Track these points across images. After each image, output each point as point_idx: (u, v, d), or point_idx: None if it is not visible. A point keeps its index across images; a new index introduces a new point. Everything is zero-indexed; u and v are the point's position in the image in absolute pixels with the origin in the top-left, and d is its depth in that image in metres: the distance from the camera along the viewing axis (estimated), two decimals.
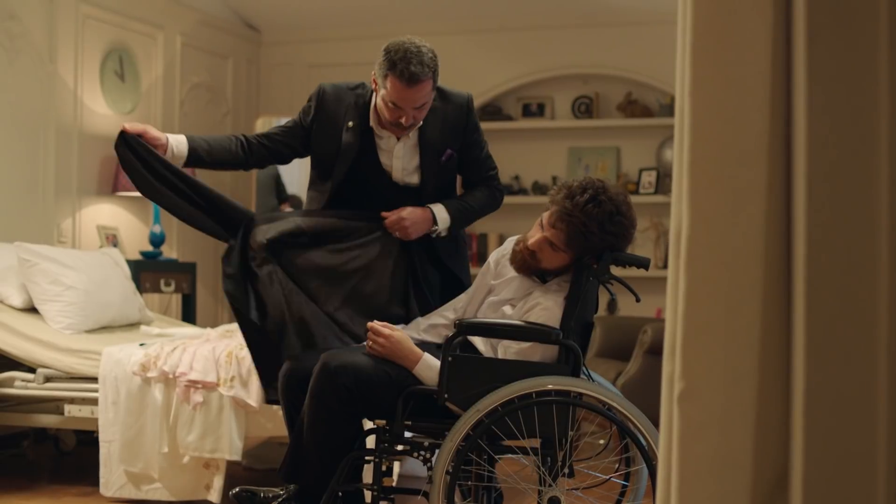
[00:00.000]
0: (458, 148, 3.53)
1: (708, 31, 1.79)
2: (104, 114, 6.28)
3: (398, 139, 3.47)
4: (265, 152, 3.59)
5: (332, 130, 3.49)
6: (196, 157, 3.48)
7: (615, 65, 7.16)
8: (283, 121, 7.73)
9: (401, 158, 3.50)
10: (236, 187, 7.56)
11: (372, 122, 3.47)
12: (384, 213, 3.47)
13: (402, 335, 3.14)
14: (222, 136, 3.61)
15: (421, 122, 3.44)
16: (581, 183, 3.13)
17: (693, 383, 1.78)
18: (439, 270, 3.60)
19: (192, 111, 7.09)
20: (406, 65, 3.24)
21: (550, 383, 3.01)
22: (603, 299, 3.81)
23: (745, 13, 1.76)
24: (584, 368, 3.24)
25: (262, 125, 7.83)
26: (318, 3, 7.31)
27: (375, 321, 3.18)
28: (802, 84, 1.64)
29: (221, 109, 7.43)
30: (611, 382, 5.31)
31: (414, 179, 3.53)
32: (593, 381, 3.30)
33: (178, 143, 3.44)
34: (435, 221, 3.51)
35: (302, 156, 3.64)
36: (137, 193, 6.11)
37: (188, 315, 6.34)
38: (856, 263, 1.58)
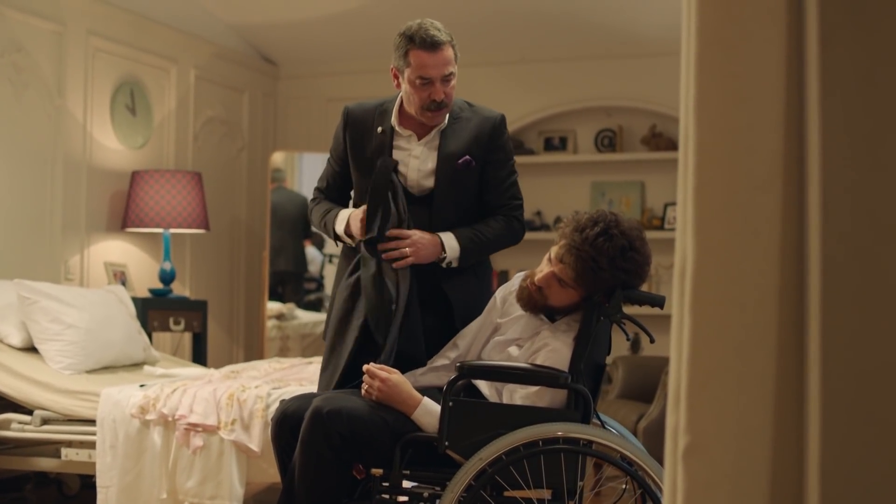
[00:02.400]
0: (480, 162, 3.34)
1: (715, 41, 1.59)
2: (115, 148, 6.15)
3: (419, 139, 3.33)
4: (341, 193, 3.56)
5: (364, 139, 3.39)
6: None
7: (639, 97, 6.97)
8: (303, 156, 7.59)
9: (419, 158, 3.32)
10: (252, 220, 7.42)
11: (394, 120, 3.35)
12: (392, 232, 3.23)
13: (400, 378, 2.95)
14: (325, 208, 3.52)
15: (450, 106, 3.30)
16: (591, 216, 2.94)
17: (700, 437, 1.57)
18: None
19: (207, 146, 6.96)
20: (424, 31, 3.22)
21: (559, 430, 2.81)
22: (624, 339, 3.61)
23: (756, 20, 1.56)
24: (595, 414, 3.04)
25: (279, 160, 7.70)
26: (336, 36, 7.18)
27: (372, 363, 2.99)
28: (815, 94, 1.44)
29: (237, 144, 7.29)
30: (633, 424, 5.10)
31: (429, 183, 3.33)
32: (606, 427, 3.10)
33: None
34: (443, 249, 3.28)
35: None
36: (148, 229, 6.02)
37: (199, 355, 6.17)
38: (879, 304, 1.37)
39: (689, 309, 1.60)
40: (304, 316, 8.03)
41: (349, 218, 3.34)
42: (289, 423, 2.98)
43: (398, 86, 3.34)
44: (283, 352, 7.63)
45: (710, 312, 1.58)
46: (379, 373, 2.93)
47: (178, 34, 6.65)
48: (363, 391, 2.95)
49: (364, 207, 3.27)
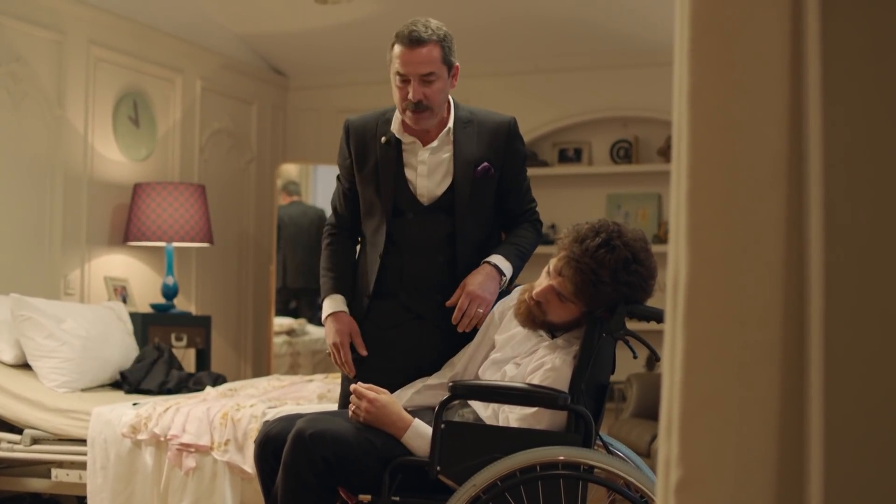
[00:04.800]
0: (499, 170, 3.21)
1: (710, 26, 1.43)
2: (117, 160, 6.02)
3: (424, 144, 3.18)
4: (353, 216, 3.34)
5: (367, 150, 3.23)
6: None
7: (655, 107, 6.79)
8: (317, 168, 7.39)
9: (426, 164, 3.17)
10: (260, 234, 7.28)
11: (394, 127, 3.19)
12: (449, 303, 3.14)
13: (390, 399, 2.78)
14: (340, 255, 3.34)
15: (439, 109, 3.13)
16: (593, 226, 2.77)
17: (694, 470, 1.40)
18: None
19: (213, 158, 6.82)
20: (410, 27, 3.08)
21: (559, 455, 2.63)
22: (643, 354, 3.44)
23: (756, 2, 1.39)
24: (600, 437, 2.86)
25: (287, 172, 7.55)
26: (347, 46, 7.04)
27: (359, 383, 2.82)
28: (816, 74, 1.27)
29: (245, 156, 7.15)
30: (647, 444, 4.91)
31: (441, 190, 3.17)
32: (610, 450, 2.92)
33: (342, 302, 3.27)
34: (501, 272, 3.17)
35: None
36: (150, 243, 5.87)
37: (202, 371, 6.01)
38: (890, 321, 1.19)
39: (682, 326, 1.42)
40: (316, 332, 7.88)
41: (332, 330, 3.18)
42: (271, 445, 2.81)
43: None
44: (294, 368, 7.48)
45: (705, 330, 1.41)
46: (366, 393, 2.76)
47: (184, 44, 6.52)
48: (350, 412, 2.79)
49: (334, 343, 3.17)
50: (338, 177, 3.34)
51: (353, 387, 2.80)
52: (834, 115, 1.27)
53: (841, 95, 1.29)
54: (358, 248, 3.36)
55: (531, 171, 6.77)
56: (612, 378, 3.03)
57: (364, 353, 3.15)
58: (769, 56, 1.39)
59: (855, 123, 1.27)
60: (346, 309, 3.20)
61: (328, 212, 3.46)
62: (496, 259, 3.18)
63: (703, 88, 1.44)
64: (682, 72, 1.47)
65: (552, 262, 2.81)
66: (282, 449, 2.74)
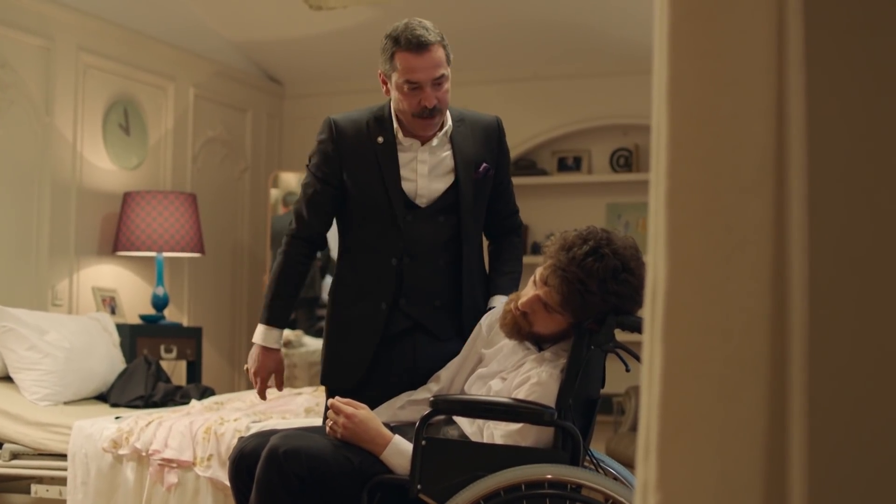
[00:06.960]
0: (493, 169, 3.15)
1: (691, 12, 1.32)
2: (107, 169, 5.91)
3: (423, 143, 3.06)
4: (323, 231, 3.20)
5: (359, 152, 3.06)
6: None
7: None
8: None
9: (426, 163, 3.05)
10: (255, 244, 7.17)
11: (395, 127, 3.05)
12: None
13: (368, 414, 2.66)
14: (295, 273, 3.16)
15: (446, 112, 3.05)
16: (580, 233, 2.64)
17: (673, 496, 1.28)
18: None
19: (207, 167, 6.72)
20: (411, 31, 2.94)
21: (545, 473, 2.51)
22: (637, 367, 3.33)
23: None
24: (591, 453, 2.74)
25: (282, 180, 7.45)
26: (343, 54, 6.94)
27: (337, 397, 2.71)
28: (799, 62, 1.16)
29: (239, 165, 7.05)
30: None
31: (440, 187, 3.05)
32: (602, 467, 2.80)
33: (277, 338, 3.17)
34: None
35: (343, 203, 3.15)
36: (140, 253, 5.76)
37: (190, 384, 5.90)
38: (881, 333, 1.07)
39: (660, 338, 1.31)
40: (313, 343, 7.77)
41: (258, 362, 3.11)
42: (245, 462, 2.69)
43: (387, 92, 3.05)
44: (290, 380, 7.36)
45: (685, 342, 1.30)
46: (344, 408, 2.64)
47: (176, 51, 6.42)
48: (327, 428, 2.67)
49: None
50: (305, 183, 3.14)
51: (330, 401, 2.69)
52: (821, 108, 1.15)
53: (829, 86, 1.17)
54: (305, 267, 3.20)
55: (531, 180, 6.72)
56: (611, 390, 2.92)
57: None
58: (755, 44, 1.28)
59: (844, 117, 1.16)
60: (279, 346, 3.13)
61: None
62: (499, 301, 3.09)
63: (683, 79, 1.33)
64: (660, 61, 1.37)
65: (538, 271, 2.69)
66: (255, 466, 2.63)
